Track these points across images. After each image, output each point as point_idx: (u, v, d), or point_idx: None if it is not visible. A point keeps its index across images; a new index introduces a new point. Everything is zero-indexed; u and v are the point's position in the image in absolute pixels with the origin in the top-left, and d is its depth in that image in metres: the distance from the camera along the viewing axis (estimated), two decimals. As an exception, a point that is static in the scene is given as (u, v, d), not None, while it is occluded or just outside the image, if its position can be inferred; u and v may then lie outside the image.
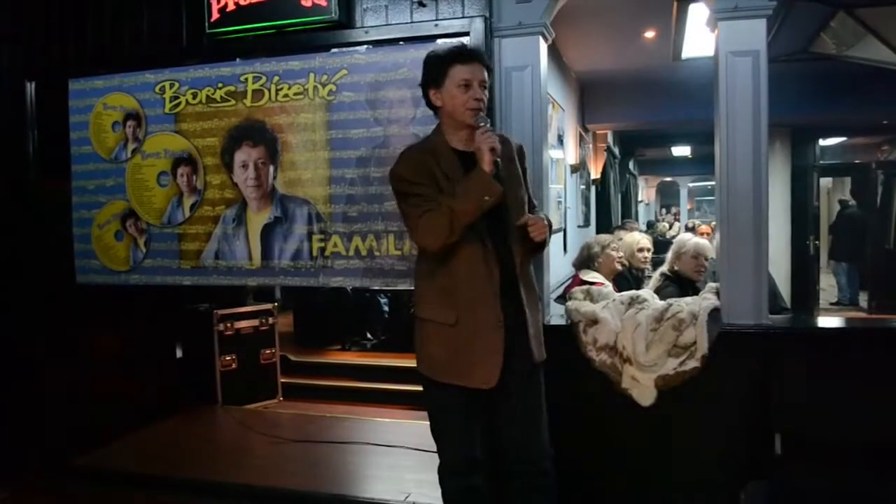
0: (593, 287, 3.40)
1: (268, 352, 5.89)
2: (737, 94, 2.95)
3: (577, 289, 3.37)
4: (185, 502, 3.64)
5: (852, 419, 2.73)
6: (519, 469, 2.54)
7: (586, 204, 7.47)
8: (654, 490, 2.98)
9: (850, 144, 11.22)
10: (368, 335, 7.11)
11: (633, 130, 9.85)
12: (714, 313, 2.94)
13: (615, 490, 3.05)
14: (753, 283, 2.92)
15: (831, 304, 10.45)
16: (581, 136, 6.82)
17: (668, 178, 19.91)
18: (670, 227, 16.12)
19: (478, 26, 3.10)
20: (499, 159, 2.30)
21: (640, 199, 16.25)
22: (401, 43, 3.25)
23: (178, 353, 5.47)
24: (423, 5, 3.21)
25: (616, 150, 9.94)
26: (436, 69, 2.43)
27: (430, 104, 2.50)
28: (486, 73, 2.41)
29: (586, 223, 7.39)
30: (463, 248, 2.37)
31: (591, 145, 7.71)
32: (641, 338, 2.93)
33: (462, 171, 2.38)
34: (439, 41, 3.17)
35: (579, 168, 6.42)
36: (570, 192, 6.12)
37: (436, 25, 3.18)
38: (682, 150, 12.88)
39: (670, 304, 3.03)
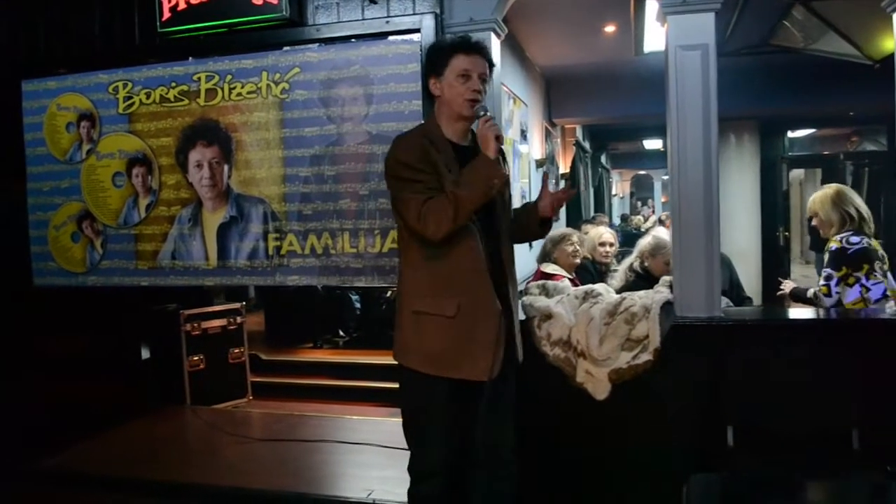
0: (549, 282, 3.41)
1: (236, 351, 5.85)
2: (686, 88, 2.97)
3: (532, 284, 3.38)
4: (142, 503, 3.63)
5: (802, 410, 2.77)
6: (484, 460, 2.55)
7: (556, 198, 7.48)
8: (610, 482, 3.01)
9: (819, 136, 11.36)
10: (341, 332, 7.09)
11: (603, 124, 9.91)
12: (667, 306, 2.96)
13: (571, 482, 3.07)
14: (705, 275, 2.94)
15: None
16: (548, 130, 6.84)
17: (643, 172, 20.04)
18: (646, 220, 16.22)
19: (428, 23, 3.11)
20: (502, 146, 2.31)
21: (613, 192, 16.34)
22: (352, 40, 3.25)
23: (145, 354, 5.43)
24: (374, 2, 3.21)
25: (586, 145, 9.98)
26: (438, 58, 2.41)
27: (428, 93, 2.48)
28: (487, 68, 2.41)
29: (556, 217, 7.40)
30: (465, 238, 2.34)
31: (559, 140, 7.74)
32: (595, 332, 2.95)
33: (457, 163, 2.35)
34: (390, 38, 3.18)
35: (545, 162, 6.44)
36: (536, 186, 6.14)
37: (387, 22, 3.19)
38: (653, 144, 12.96)
39: (623, 298, 3.05)
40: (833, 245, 3.28)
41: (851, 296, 3.20)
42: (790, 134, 9.74)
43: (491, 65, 2.44)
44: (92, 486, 3.81)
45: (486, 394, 2.39)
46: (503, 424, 2.53)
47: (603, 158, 12.52)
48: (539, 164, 6.29)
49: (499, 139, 2.28)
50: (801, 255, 13.78)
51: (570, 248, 4.18)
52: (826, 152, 11.58)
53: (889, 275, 3.23)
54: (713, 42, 2.93)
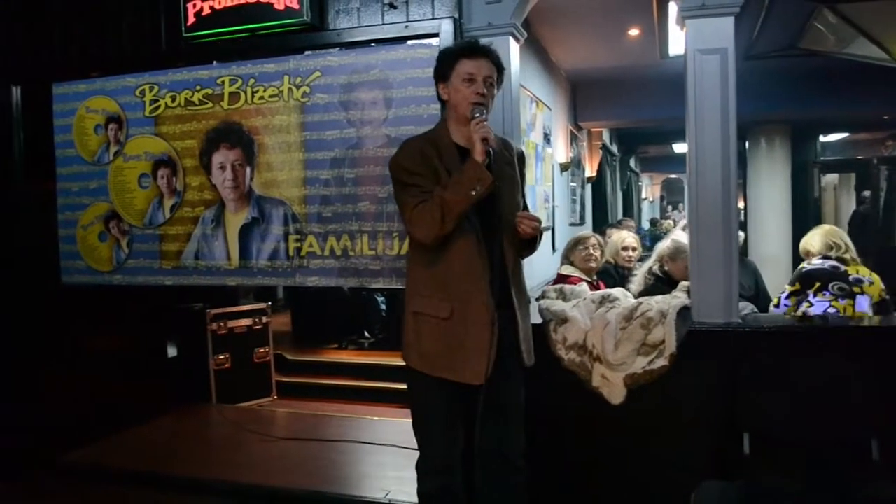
0: (566, 286, 3.41)
1: (261, 350, 5.95)
2: (705, 92, 2.95)
3: (550, 287, 3.38)
4: (170, 499, 3.69)
5: (821, 418, 2.73)
6: (494, 464, 2.57)
7: (581, 202, 7.48)
8: (624, 488, 2.99)
9: (853, 140, 11.15)
10: (366, 334, 7.14)
11: (631, 128, 9.84)
12: (684, 312, 2.95)
13: (585, 487, 3.07)
14: (723, 281, 2.92)
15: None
16: (573, 134, 6.83)
17: (673, 176, 19.81)
18: (675, 224, 16.05)
19: (447, 27, 3.13)
20: (491, 149, 2.29)
21: (643, 196, 16.20)
22: (372, 45, 3.29)
23: (172, 353, 5.54)
24: (394, 7, 3.24)
25: (614, 148, 9.93)
26: (444, 63, 2.45)
27: (439, 98, 2.52)
28: (494, 71, 2.42)
29: (581, 221, 7.39)
30: (459, 241, 2.36)
31: (585, 143, 7.71)
32: (611, 336, 2.94)
33: (461, 166, 2.36)
34: (410, 42, 3.21)
35: (569, 166, 6.43)
36: (560, 190, 6.14)
37: (406, 27, 3.21)
38: (683, 148, 12.75)
39: (640, 303, 3.04)
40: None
41: (798, 310, 3.37)
42: (822, 138, 9.58)
43: (500, 68, 2.45)
44: (116, 479, 3.91)
45: (486, 396, 2.41)
46: (509, 427, 2.54)
47: (632, 162, 12.44)
48: (563, 167, 6.28)
49: (486, 141, 2.28)
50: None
51: (584, 253, 4.16)
52: (860, 157, 11.37)
53: (863, 297, 3.31)
54: (732, 46, 2.92)
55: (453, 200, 2.27)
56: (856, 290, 3.32)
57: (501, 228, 2.41)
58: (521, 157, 2.63)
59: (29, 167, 4.01)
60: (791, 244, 8.65)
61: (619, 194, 10.59)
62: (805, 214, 8.86)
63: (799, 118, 8.27)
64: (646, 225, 14.30)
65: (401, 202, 2.44)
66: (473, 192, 2.26)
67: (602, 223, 8.26)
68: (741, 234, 5.23)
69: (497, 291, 2.39)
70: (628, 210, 11.78)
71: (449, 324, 2.38)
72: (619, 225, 7.19)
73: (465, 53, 2.41)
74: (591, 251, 4.20)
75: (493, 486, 2.59)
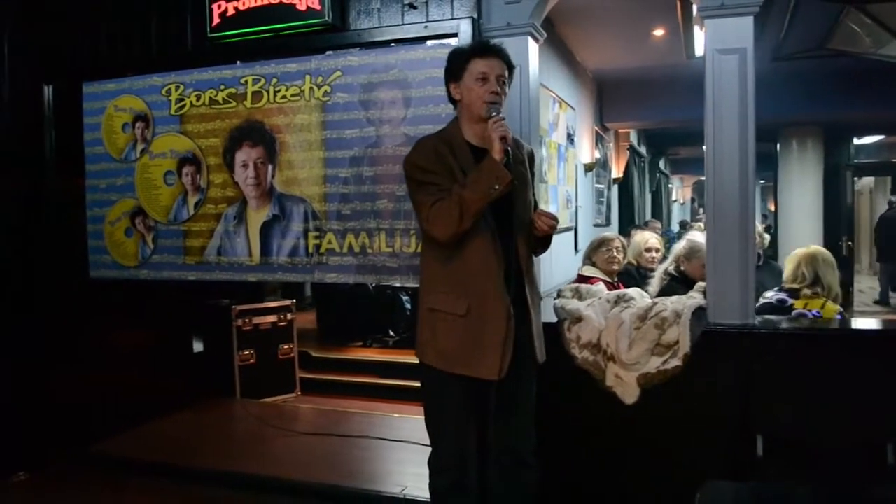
0: (582, 285, 3.41)
1: (286, 347, 6.02)
2: (724, 92, 2.93)
3: (566, 287, 3.39)
4: (193, 490, 3.77)
5: (835, 421, 2.71)
6: (503, 460, 2.60)
7: (607, 203, 7.45)
8: (636, 487, 2.99)
9: (888, 142, 10.93)
10: (390, 332, 7.18)
11: (660, 129, 9.76)
12: (699, 312, 2.94)
13: (597, 486, 3.07)
14: (740, 282, 2.90)
15: (875, 302, 10.30)
16: (599, 135, 6.80)
17: (704, 178, 19.56)
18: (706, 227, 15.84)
19: (466, 27, 3.15)
20: (509, 148, 2.31)
21: (673, 198, 16.05)
22: (392, 45, 3.32)
23: (198, 348, 5.63)
24: (414, 7, 3.27)
25: (642, 149, 9.86)
26: (456, 63, 2.47)
27: (450, 98, 2.55)
28: (506, 70, 2.44)
29: (607, 222, 7.37)
30: (475, 239, 2.38)
31: (612, 144, 7.68)
32: (625, 336, 2.95)
33: (475, 165, 2.38)
34: (429, 42, 3.24)
35: (594, 167, 6.41)
36: (585, 190, 6.12)
37: (425, 27, 3.24)
38: (715, 149, 12.64)
39: (654, 303, 3.04)
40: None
41: None
42: (856, 140, 9.41)
43: (510, 67, 2.47)
44: (142, 471, 4.00)
45: (498, 392, 2.45)
46: (520, 425, 2.56)
47: (662, 164, 12.34)
48: (588, 168, 6.27)
49: (504, 140, 2.30)
50: (870, 266, 13.31)
51: (608, 255, 4.17)
52: (894, 160, 11.16)
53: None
54: (751, 46, 2.89)
55: (472, 198, 2.28)
56: None
57: (516, 226, 2.44)
58: (531, 156, 2.65)
59: (60, 164, 4.12)
60: (822, 247, 8.52)
61: (648, 196, 10.52)
62: (838, 218, 8.73)
63: (831, 120, 8.15)
64: (675, 227, 14.16)
65: (417, 201, 2.45)
66: (492, 191, 2.28)
67: (629, 225, 8.22)
68: (766, 236, 5.18)
69: (512, 288, 2.41)
70: (657, 212, 11.69)
71: (466, 320, 2.40)
72: (644, 226, 7.15)
73: (478, 53, 2.43)
74: (615, 253, 4.20)
75: (504, 482, 2.62)
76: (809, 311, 3.30)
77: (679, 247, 4.03)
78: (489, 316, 2.38)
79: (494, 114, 2.36)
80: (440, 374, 2.46)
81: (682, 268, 3.93)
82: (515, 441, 2.56)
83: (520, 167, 2.51)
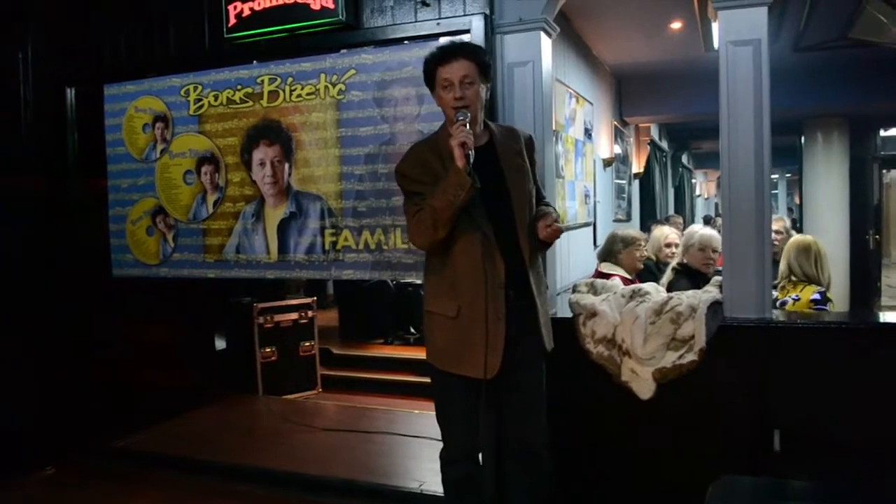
0: (598, 280, 3.41)
1: (307, 344, 6.07)
2: (738, 84, 2.91)
3: (581, 281, 3.39)
4: (213, 484, 3.83)
5: (854, 416, 2.68)
6: (517, 454, 2.62)
7: (628, 199, 7.41)
8: (651, 483, 2.98)
9: (918, 134, 10.73)
10: (412, 329, 7.21)
11: (682, 123, 9.67)
12: (715, 306, 2.92)
13: (612, 480, 3.07)
14: (756, 275, 2.88)
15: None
16: (618, 129, 6.76)
17: (731, 172, 19.29)
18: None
19: (478, 23, 3.15)
20: (470, 153, 2.31)
21: (697, 193, 15.90)
22: (405, 42, 3.33)
23: (220, 345, 5.71)
24: (427, 5, 3.28)
25: (664, 144, 9.78)
26: (427, 74, 2.52)
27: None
28: (473, 67, 2.44)
29: (627, 218, 7.32)
30: (460, 241, 2.43)
31: (632, 139, 7.63)
32: (640, 330, 2.94)
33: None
34: (442, 39, 3.24)
35: (612, 162, 6.37)
36: (604, 186, 6.10)
37: (438, 24, 3.25)
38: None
39: (670, 298, 3.02)
40: None
41: None
42: (883, 132, 9.24)
43: (479, 62, 2.46)
44: (164, 465, 4.07)
45: (508, 387, 2.50)
46: (531, 416, 2.57)
47: (684, 158, 12.24)
48: (607, 163, 6.24)
49: (464, 146, 2.30)
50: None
51: (639, 253, 4.18)
52: (924, 152, 10.94)
53: None
54: (765, 37, 2.87)
55: (439, 207, 2.34)
56: None
57: (517, 219, 2.46)
58: (530, 143, 2.64)
59: (82, 165, 4.20)
60: (848, 242, 8.41)
61: (671, 191, 10.43)
62: (864, 211, 8.59)
63: (857, 112, 8.00)
64: (699, 223, 14.02)
65: (405, 210, 2.54)
66: (456, 198, 2.32)
67: (650, 220, 8.16)
68: (794, 232, 5.13)
69: (514, 281, 2.44)
70: (680, 207, 11.59)
71: (456, 322, 2.46)
72: (665, 222, 7.10)
73: (438, 61, 2.46)
74: (646, 252, 4.24)
75: (519, 476, 2.64)
76: (787, 298, 3.44)
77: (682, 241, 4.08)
78: (477, 317, 2.42)
79: (461, 118, 2.38)
80: (440, 371, 2.54)
81: (684, 260, 3.96)
82: (527, 435, 2.58)
83: (515, 158, 2.53)
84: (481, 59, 2.49)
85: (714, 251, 3.77)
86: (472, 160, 2.32)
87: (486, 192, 2.41)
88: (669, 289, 3.58)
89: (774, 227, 4.39)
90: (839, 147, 8.48)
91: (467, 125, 2.36)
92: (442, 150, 2.45)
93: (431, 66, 2.48)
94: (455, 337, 2.47)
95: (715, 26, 4.72)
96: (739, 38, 2.89)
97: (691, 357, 2.84)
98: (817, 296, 3.34)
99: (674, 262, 4.04)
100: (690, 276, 3.74)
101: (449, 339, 2.50)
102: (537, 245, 2.54)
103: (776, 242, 4.28)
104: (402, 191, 2.57)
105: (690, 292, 3.09)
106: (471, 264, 2.43)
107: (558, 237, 2.50)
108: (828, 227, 8.26)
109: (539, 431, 2.59)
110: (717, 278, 3.18)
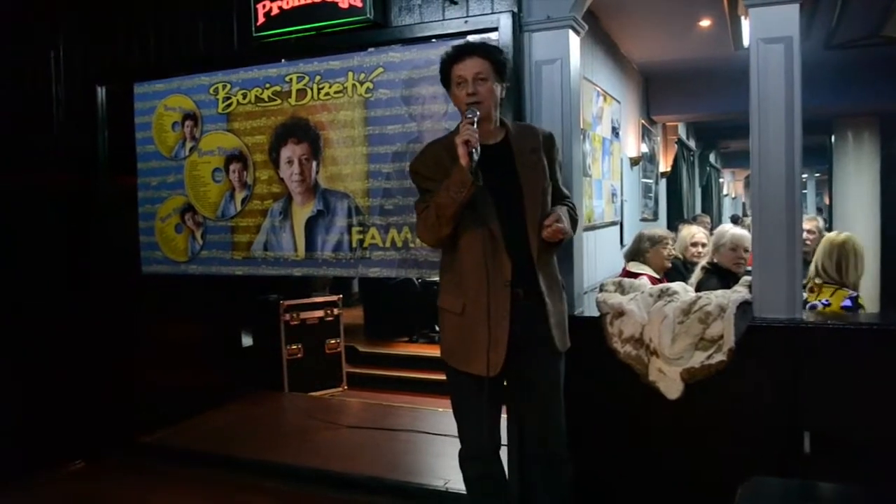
0: (626, 279, 3.39)
1: (333, 342, 6.11)
2: (769, 83, 2.87)
3: (609, 280, 3.37)
4: (239, 480, 3.86)
5: (887, 419, 2.64)
6: (536, 454, 2.65)
7: (654, 197, 7.35)
8: (678, 483, 2.96)
9: (952, 133, 10.52)
10: (436, 327, 7.22)
11: (710, 122, 9.58)
12: (744, 306, 2.89)
13: (638, 481, 3.05)
14: (786, 275, 2.84)
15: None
16: (646, 128, 6.72)
17: (759, 172, 19.09)
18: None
19: (505, 21, 3.15)
20: (474, 151, 2.31)
21: (724, 192, 15.73)
22: (433, 40, 3.33)
23: (247, 342, 5.76)
24: (455, 3, 3.27)
25: (691, 143, 9.70)
26: (443, 73, 2.57)
27: None
28: (487, 64, 2.46)
29: (654, 217, 7.27)
30: (465, 239, 2.46)
31: (659, 138, 7.58)
32: (668, 330, 2.91)
33: (477, 167, 2.40)
34: (469, 37, 3.24)
35: (640, 160, 6.33)
36: (631, 184, 6.06)
37: (465, 22, 3.24)
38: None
39: (699, 297, 2.99)
40: None
41: None
42: (916, 131, 9.08)
43: (493, 61, 2.48)
44: (191, 460, 4.12)
45: (521, 386, 2.56)
46: (546, 415, 2.58)
47: (712, 157, 12.12)
48: (634, 162, 6.20)
49: (468, 144, 2.31)
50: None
51: (666, 252, 4.17)
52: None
53: None
54: (797, 35, 2.83)
55: (443, 204, 2.37)
56: None
57: (529, 217, 2.46)
58: (548, 141, 2.64)
59: (112, 163, 4.25)
60: (880, 242, 8.27)
61: (698, 190, 10.34)
62: (895, 211, 8.44)
63: (889, 110, 7.86)
64: (727, 222, 13.90)
65: (415, 207, 2.62)
66: (458, 196, 2.34)
67: (677, 219, 8.10)
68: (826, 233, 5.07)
69: (522, 279, 2.45)
70: (708, 207, 11.48)
71: (462, 318, 2.49)
72: (692, 221, 7.04)
73: (453, 59, 2.50)
74: (673, 251, 4.23)
75: (541, 475, 2.64)
76: (819, 300, 3.37)
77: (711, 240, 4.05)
78: (480, 314, 2.43)
79: (469, 115, 2.39)
80: (452, 368, 2.56)
81: (714, 259, 3.93)
82: (544, 434, 2.59)
83: (530, 155, 2.54)
84: (496, 57, 2.51)
85: (745, 251, 3.74)
86: (476, 158, 2.32)
87: (498, 190, 2.43)
88: (699, 288, 3.55)
89: (807, 226, 4.36)
90: (870, 146, 8.36)
91: (474, 123, 2.37)
92: (453, 149, 2.45)
93: (447, 64, 2.53)
94: (460, 334, 2.50)
95: (745, 24, 4.69)
96: (771, 35, 2.85)
97: (720, 357, 2.81)
98: (848, 302, 3.28)
99: (703, 262, 4.01)
100: (720, 276, 3.72)
101: (456, 336, 2.53)
102: (546, 244, 2.52)
103: (808, 242, 4.24)
104: (416, 186, 2.62)
105: (720, 292, 3.06)
106: (474, 261, 2.44)
107: (560, 238, 2.48)
108: (858, 228, 8.11)
109: (557, 431, 2.59)
110: (747, 278, 3.15)
